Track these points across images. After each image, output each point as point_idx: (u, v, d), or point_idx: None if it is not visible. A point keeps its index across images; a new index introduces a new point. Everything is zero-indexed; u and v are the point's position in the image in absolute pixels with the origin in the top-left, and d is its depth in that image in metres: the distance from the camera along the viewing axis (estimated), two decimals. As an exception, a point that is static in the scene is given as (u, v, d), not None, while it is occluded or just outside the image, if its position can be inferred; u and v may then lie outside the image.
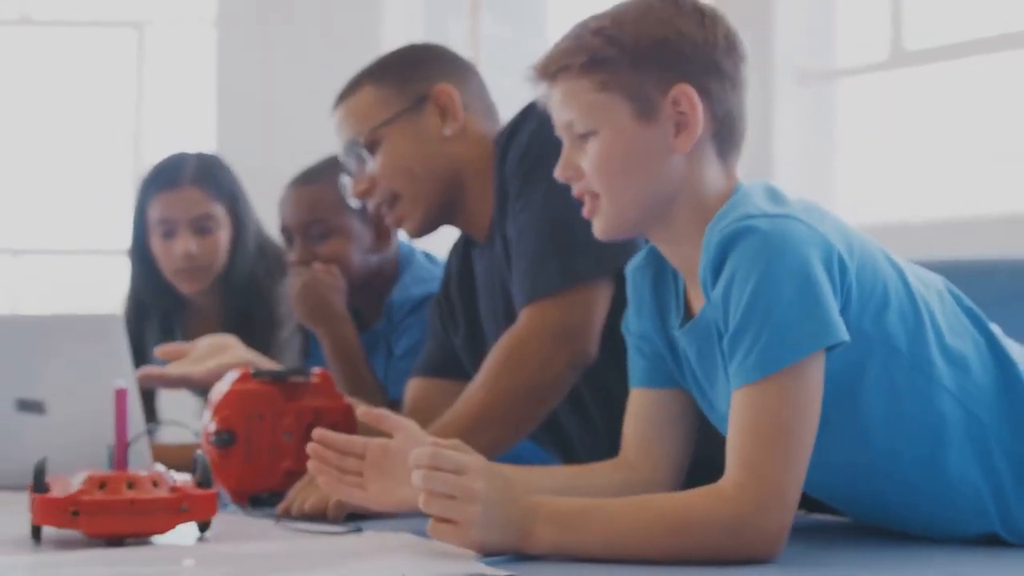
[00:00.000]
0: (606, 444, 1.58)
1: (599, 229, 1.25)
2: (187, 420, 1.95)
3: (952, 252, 1.93)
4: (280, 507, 1.43)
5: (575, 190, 1.26)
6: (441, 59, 1.74)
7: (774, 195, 1.19)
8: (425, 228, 1.72)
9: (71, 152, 5.12)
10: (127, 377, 1.55)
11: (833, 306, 1.11)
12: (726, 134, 1.22)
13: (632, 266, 1.34)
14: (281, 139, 4.09)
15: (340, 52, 4.27)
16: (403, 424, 1.30)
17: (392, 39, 4.23)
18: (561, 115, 1.25)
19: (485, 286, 1.72)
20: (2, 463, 1.66)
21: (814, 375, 1.10)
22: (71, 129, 5.11)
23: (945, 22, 3.72)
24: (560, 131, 1.26)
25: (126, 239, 2.33)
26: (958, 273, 1.76)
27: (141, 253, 2.26)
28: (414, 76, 1.70)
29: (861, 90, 3.93)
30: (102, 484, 1.20)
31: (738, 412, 1.11)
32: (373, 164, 1.69)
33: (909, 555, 1.17)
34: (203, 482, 1.25)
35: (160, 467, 1.31)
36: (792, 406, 1.09)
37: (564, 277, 1.50)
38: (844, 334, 1.10)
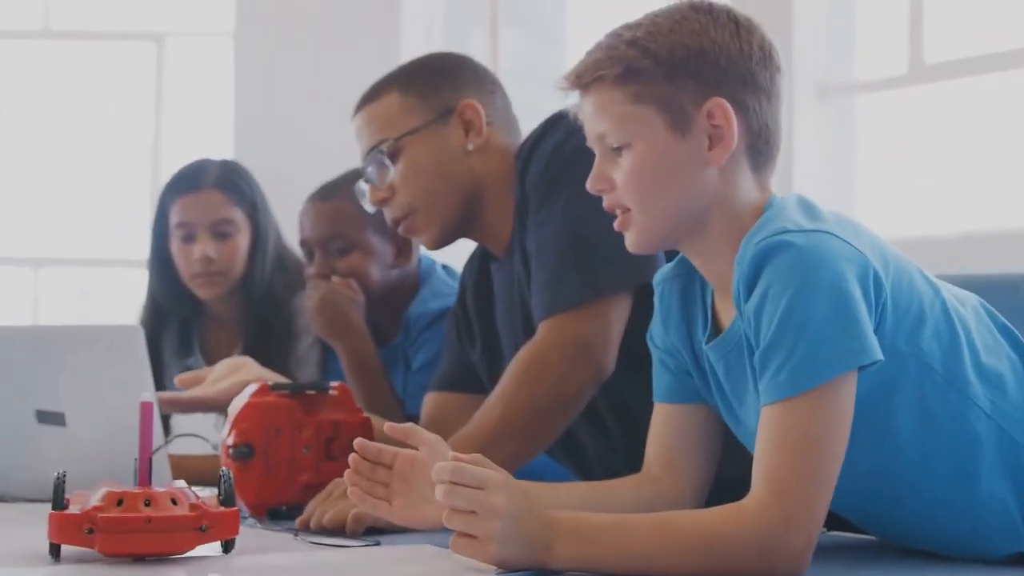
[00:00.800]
0: (623, 459, 1.57)
1: (631, 242, 1.24)
2: (205, 431, 1.95)
3: (973, 267, 1.91)
4: (299, 520, 1.43)
5: (606, 202, 1.24)
6: (468, 72, 1.73)
7: (809, 209, 1.18)
8: (441, 241, 1.72)
9: (90, 163, 5.15)
10: (147, 388, 1.54)
11: (868, 324, 1.10)
12: (761, 147, 1.21)
13: (660, 277, 1.33)
14: (298, 151, 4.10)
15: (358, 65, 4.28)
16: (430, 439, 1.27)
17: (411, 51, 4.23)
18: (594, 126, 1.23)
19: (503, 299, 1.71)
20: (23, 475, 1.66)
21: (846, 393, 1.09)
22: (91, 140, 5.14)
23: (965, 35, 3.71)
24: (592, 142, 1.25)
25: (145, 249, 2.34)
26: (979, 288, 1.75)
27: (161, 257, 2.26)
28: (441, 87, 1.69)
29: (881, 104, 3.92)
30: (119, 501, 1.16)
31: (767, 428, 1.09)
32: (394, 172, 1.69)
33: (935, 574, 1.16)
34: (226, 500, 1.22)
35: (181, 483, 1.28)
36: (823, 424, 1.07)
37: (584, 291, 1.49)
38: (878, 353, 1.09)
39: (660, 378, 1.33)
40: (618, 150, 1.21)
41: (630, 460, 1.54)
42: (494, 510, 1.08)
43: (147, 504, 1.16)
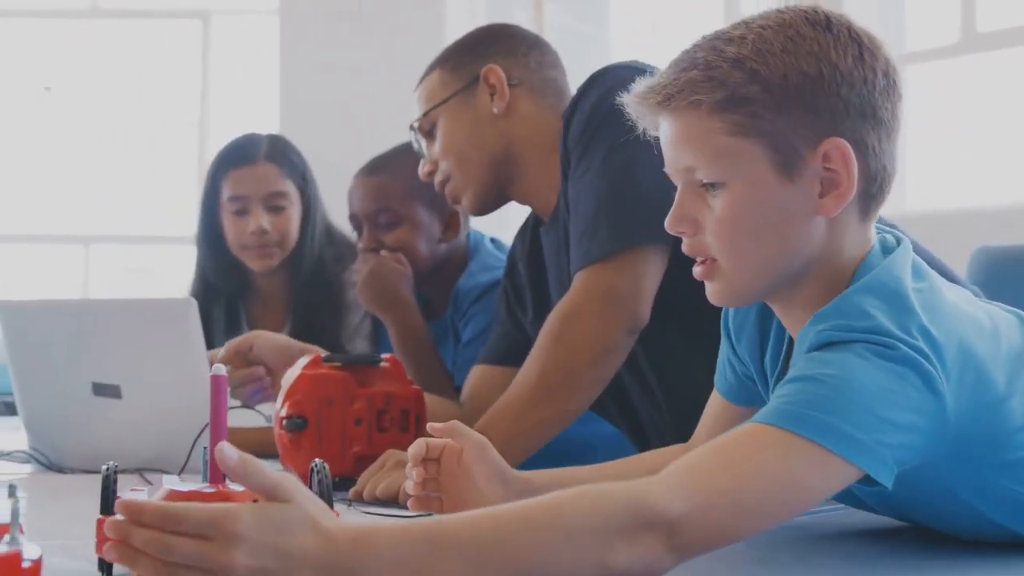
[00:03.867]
0: (667, 415, 1.58)
1: (715, 295, 1.06)
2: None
3: (1028, 238, 1.89)
4: (352, 491, 1.44)
5: (687, 247, 1.07)
6: (498, 38, 1.76)
7: (898, 299, 0.99)
8: (481, 206, 1.74)
9: (137, 141, 5.19)
10: (201, 360, 1.56)
11: (895, 445, 0.93)
12: (875, 192, 1.03)
13: None
14: (344, 128, 4.11)
15: (402, 42, 4.28)
16: (474, 440, 1.19)
17: (455, 27, 4.22)
18: (678, 156, 1.04)
19: (552, 263, 1.72)
20: (81, 447, 1.68)
21: (830, 477, 0.91)
22: (137, 118, 5.18)
23: (1019, 3, 3.64)
24: (674, 174, 1.06)
25: (194, 225, 2.35)
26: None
27: (210, 231, 2.28)
28: (469, 58, 1.73)
29: (932, 74, 3.86)
30: None
31: (734, 438, 0.93)
32: (435, 145, 1.73)
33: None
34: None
35: None
36: (786, 479, 0.90)
37: (613, 242, 1.47)
38: (885, 478, 0.93)
39: (724, 373, 1.23)
40: (709, 187, 1.03)
41: (674, 416, 1.54)
42: (228, 568, 0.79)
43: None
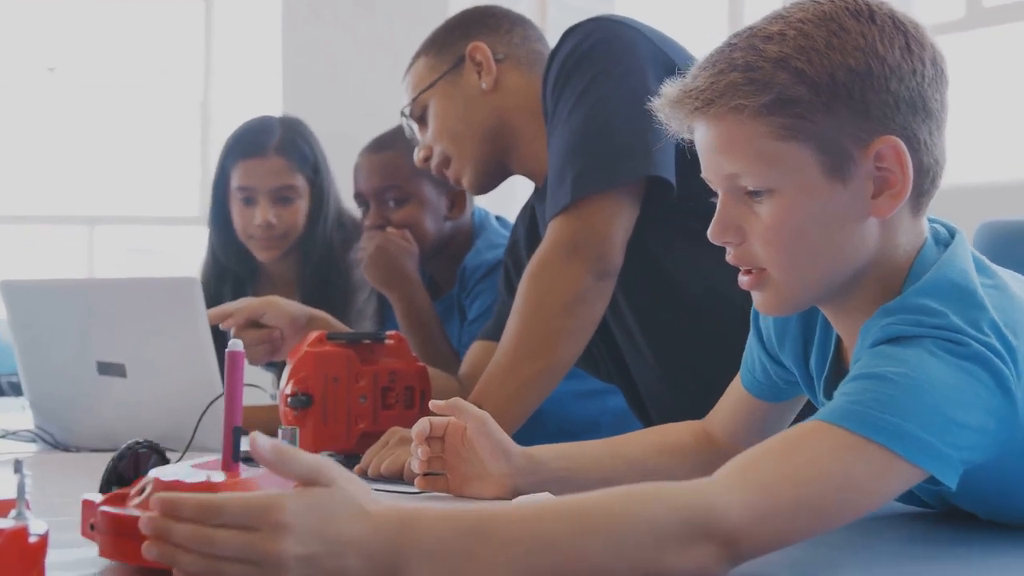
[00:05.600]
0: (657, 373, 1.58)
1: (765, 306, 1.03)
2: (263, 382, 1.96)
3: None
4: (357, 468, 1.44)
5: (731, 256, 1.02)
6: (480, 18, 1.77)
7: (967, 293, 0.95)
8: (483, 183, 1.74)
9: (141, 121, 5.19)
10: (206, 339, 1.56)
11: (962, 446, 0.90)
12: (927, 187, 0.99)
13: None
14: (347, 107, 4.10)
15: (406, 19, 4.26)
16: (476, 415, 1.20)
17: (458, 5, 4.21)
18: (719, 163, 1.00)
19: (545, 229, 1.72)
20: (87, 426, 1.68)
21: (895, 480, 0.89)
22: (141, 98, 5.17)
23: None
24: (716, 181, 1.02)
25: (196, 206, 2.35)
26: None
27: (220, 215, 2.28)
28: (452, 39, 1.74)
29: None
30: None
31: (794, 437, 0.90)
32: (428, 129, 1.74)
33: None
34: None
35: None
36: (849, 482, 0.88)
37: (576, 190, 1.46)
38: (951, 480, 0.90)
39: (752, 371, 1.20)
40: (755, 194, 0.99)
41: (668, 375, 1.54)
42: (277, 558, 0.76)
43: None
